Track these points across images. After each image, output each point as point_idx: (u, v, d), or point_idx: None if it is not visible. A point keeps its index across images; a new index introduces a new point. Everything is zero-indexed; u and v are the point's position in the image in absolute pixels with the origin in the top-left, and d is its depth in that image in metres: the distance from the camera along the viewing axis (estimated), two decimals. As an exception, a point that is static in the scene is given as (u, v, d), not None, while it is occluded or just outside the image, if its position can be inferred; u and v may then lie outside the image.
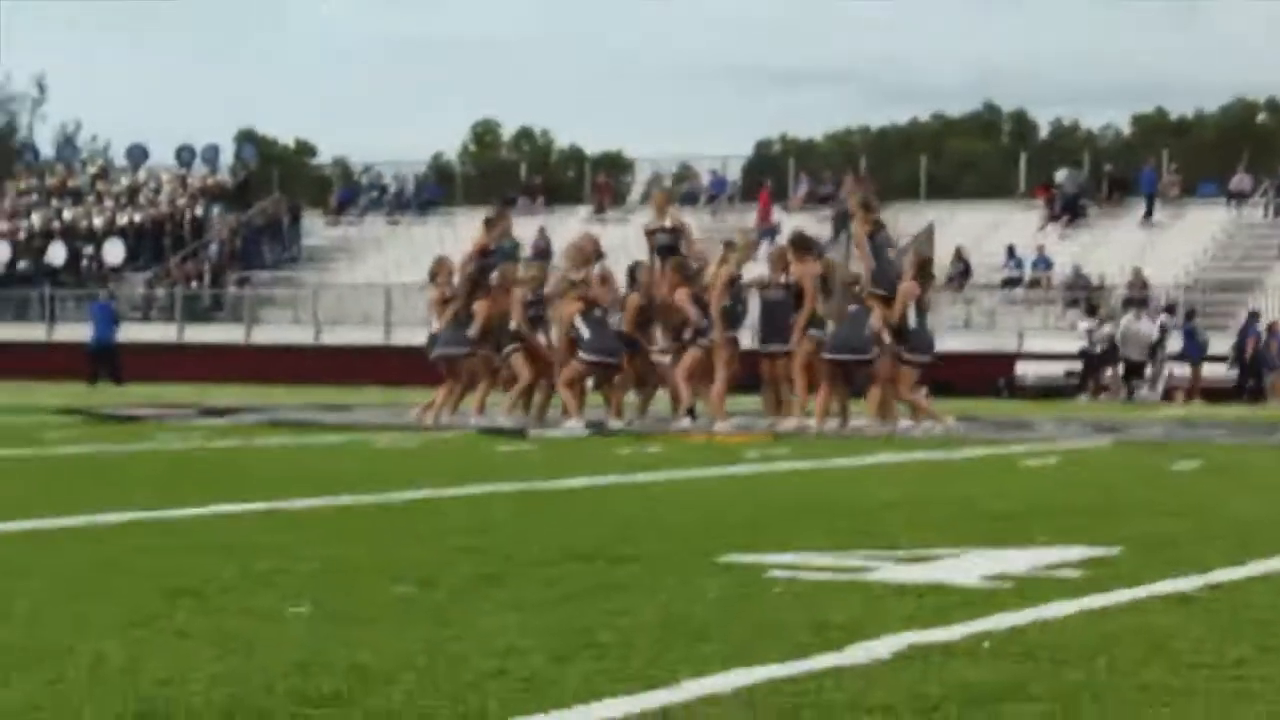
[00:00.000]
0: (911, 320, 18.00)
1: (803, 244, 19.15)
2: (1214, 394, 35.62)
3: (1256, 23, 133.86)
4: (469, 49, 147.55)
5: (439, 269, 20.17)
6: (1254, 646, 4.95)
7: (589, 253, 19.58)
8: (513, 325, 19.22)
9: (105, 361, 38.73)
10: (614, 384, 19.05)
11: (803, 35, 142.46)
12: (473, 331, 19.17)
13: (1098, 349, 37.09)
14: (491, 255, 19.99)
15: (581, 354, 18.57)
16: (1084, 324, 37.91)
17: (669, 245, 19.37)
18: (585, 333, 18.57)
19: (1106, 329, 37.09)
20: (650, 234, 19.78)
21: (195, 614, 5.32)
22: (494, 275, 19.51)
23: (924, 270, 18.62)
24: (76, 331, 45.92)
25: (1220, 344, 37.55)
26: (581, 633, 5.04)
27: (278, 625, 5.13)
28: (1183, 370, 36.99)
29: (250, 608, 5.44)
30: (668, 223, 19.73)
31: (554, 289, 19.37)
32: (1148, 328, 36.83)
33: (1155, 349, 36.45)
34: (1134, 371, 37.13)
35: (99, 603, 5.53)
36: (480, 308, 19.22)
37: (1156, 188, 46.64)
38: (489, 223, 20.39)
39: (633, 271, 19.42)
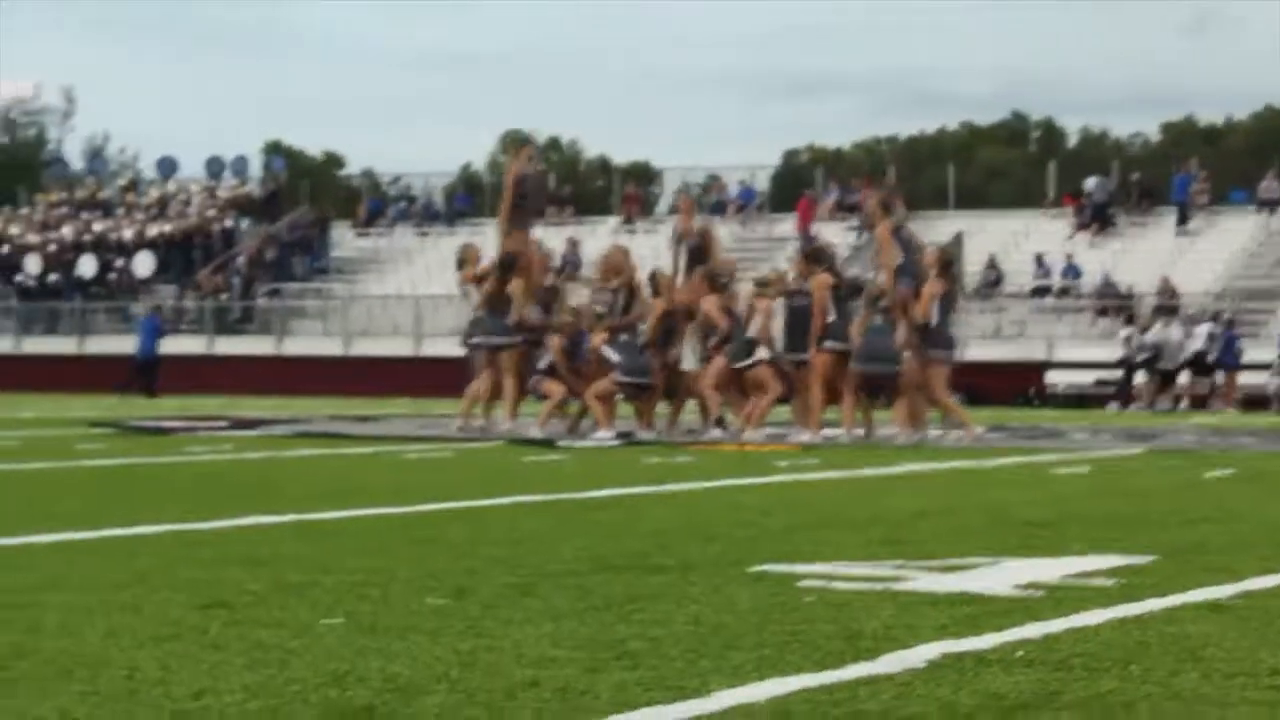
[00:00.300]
0: (934, 318, 17.96)
1: (814, 256, 19.10)
2: (1248, 402, 35.57)
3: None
4: (497, 60, 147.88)
5: (466, 255, 20.38)
6: (1289, 655, 4.93)
7: (619, 264, 19.59)
8: (543, 364, 19.21)
9: (145, 374, 38.92)
10: (644, 397, 19.09)
11: (830, 45, 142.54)
12: (513, 318, 19.16)
13: (1138, 357, 37.03)
14: (525, 183, 20.00)
15: (615, 378, 18.67)
16: (1123, 331, 37.82)
17: (697, 247, 19.41)
18: (615, 357, 18.66)
19: (1148, 337, 37.02)
20: (678, 239, 19.80)
21: (228, 626, 5.32)
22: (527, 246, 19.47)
23: (946, 269, 18.55)
24: (107, 344, 46.08)
25: (1253, 351, 37.44)
26: (614, 643, 5.03)
27: (311, 637, 5.13)
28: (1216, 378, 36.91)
29: (283, 620, 5.45)
30: (695, 226, 19.81)
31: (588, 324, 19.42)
32: (1178, 336, 36.77)
33: (1203, 358, 36.39)
34: (1167, 380, 37.07)
35: (131, 615, 5.53)
36: (516, 288, 19.20)
37: (1189, 195, 46.50)
38: (515, 149, 20.42)
39: (653, 278, 19.40)
